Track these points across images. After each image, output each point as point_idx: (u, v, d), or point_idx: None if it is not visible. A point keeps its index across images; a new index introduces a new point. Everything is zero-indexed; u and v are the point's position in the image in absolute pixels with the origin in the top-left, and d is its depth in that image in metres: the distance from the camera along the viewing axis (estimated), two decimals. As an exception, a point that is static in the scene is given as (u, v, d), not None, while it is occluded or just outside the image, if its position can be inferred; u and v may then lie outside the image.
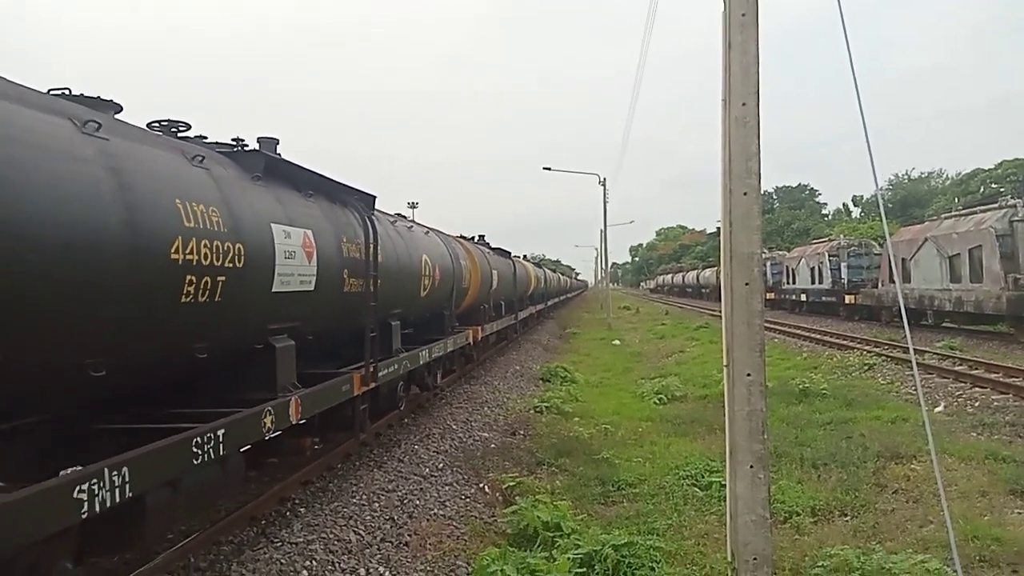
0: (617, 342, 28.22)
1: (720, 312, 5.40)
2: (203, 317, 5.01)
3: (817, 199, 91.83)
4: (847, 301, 31.29)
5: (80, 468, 3.66)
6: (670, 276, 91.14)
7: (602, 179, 43.86)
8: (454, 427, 10.90)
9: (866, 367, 16.45)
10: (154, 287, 4.49)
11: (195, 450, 4.52)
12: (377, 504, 7.06)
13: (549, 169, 43.57)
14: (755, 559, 4.83)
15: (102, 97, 4.89)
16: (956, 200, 45.14)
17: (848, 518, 6.88)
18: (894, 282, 25.10)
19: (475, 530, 6.77)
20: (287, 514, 6.76)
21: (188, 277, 4.74)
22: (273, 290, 5.92)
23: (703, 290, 64.19)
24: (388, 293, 8.80)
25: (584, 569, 5.39)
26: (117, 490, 3.78)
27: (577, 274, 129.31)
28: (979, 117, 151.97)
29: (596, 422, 11.58)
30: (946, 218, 24.54)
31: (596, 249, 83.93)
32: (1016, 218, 19.81)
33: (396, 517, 6.79)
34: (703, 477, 7.97)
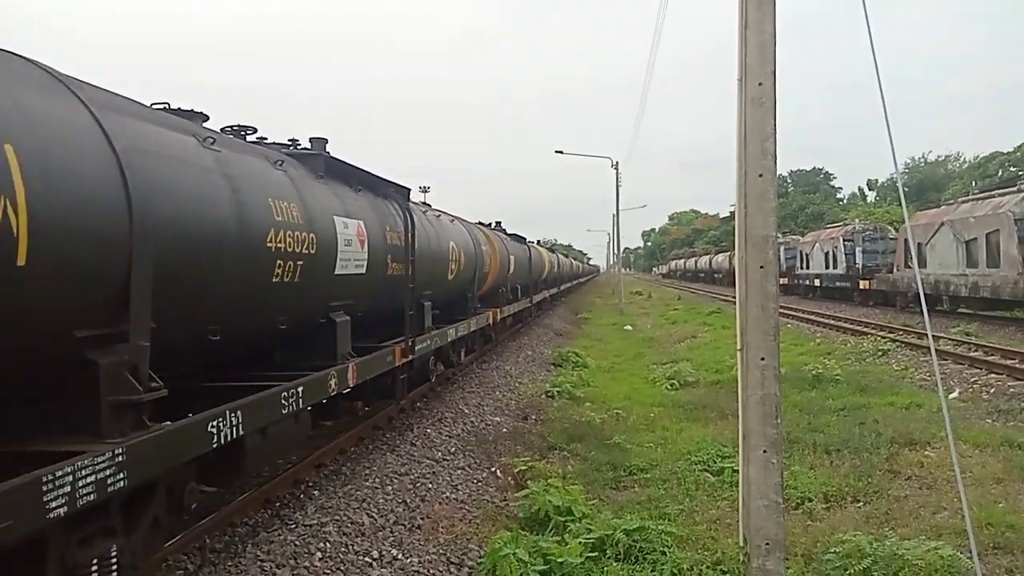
0: (629, 327, 28.17)
1: (733, 298, 5.36)
2: (287, 294, 6.01)
3: (832, 183, 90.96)
4: (861, 286, 31.05)
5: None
6: (683, 261, 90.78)
7: (614, 162, 43.65)
8: (466, 411, 10.93)
9: (880, 353, 16.35)
10: (255, 269, 5.49)
11: (283, 402, 5.50)
12: (390, 487, 7.10)
13: (561, 152, 43.34)
14: (767, 544, 4.81)
15: (194, 109, 5.73)
16: (973, 184, 44.60)
17: (861, 504, 6.86)
18: (910, 267, 24.83)
19: (487, 514, 6.80)
20: (301, 496, 6.81)
21: (278, 262, 5.75)
22: (335, 273, 6.92)
23: (716, 275, 63.90)
24: (421, 276, 9.70)
25: (596, 553, 5.40)
26: (234, 428, 4.74)
27: (589, 259, 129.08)
28: (998, 100, 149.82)
29: (608, 407, 11.57)
30: (963, 202, 24.24)
31: (608, 234, 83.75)
32: (1035, 202, 19.55)
33: (409, 500, 6.83)
34: (715, 463, 7.95)
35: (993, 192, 22.79)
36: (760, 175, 4.79)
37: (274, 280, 5.73)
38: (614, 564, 5.30)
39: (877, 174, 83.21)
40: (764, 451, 4.81)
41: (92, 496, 3.41)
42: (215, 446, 4.52)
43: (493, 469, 8.24)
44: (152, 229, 4.15)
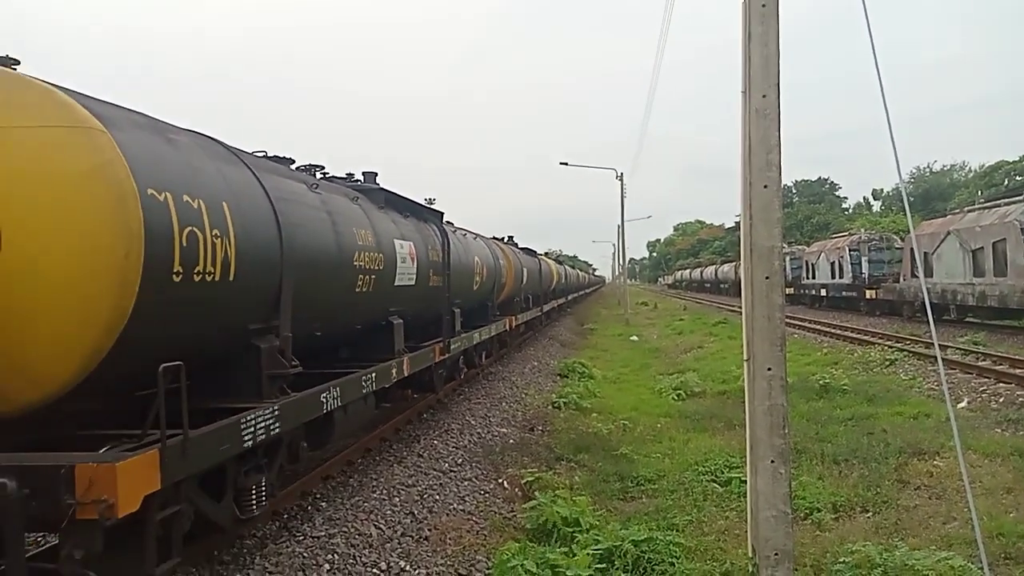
0: (635, 338, 28.14)
1: (739, 308, 5.37)
2: (364, 302, 7.67)
3: (837, 193, 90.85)
4: (868, 296, 30.94)
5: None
6: (688, 271, 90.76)
7: (619, 174, 43.72)
8: (473, 423, 10.93)
9: (887, 362, 16.29)
10: (346, 283, 7.10)
11: (363, 384, 7.15)
12: (397, 499, 7.10)
13: (566, 164, 43.39)
14: (776, 555, 4.80)
15: (284, 156, 7.34)
16: (979, 193, 44.51)
17: (870, 514, 6.83)
18: (916, 276, 24.76)
19: (494, 525, 6.79)
20: (308, 508, 6.81)
21: (360, 276, 7.37)
22: (394, 284, 8.57)
23: (722, 285, 63.81)
24: (454, 287, 11.36)
25: (604, 565, 5.40)
26: (335, 399, 6.34)
27: (594, 270, 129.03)
28: (1003, 109, 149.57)
29: (614, 418, 11.56)
30: (969, 211, 24.19)
31: (613, 245, 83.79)
32: (1041, 211, 19.50)
33: (416, 512, 6.83)
34: (723, 473, 7.94)
35: (999, 201, 22.74)
36: (765, 186, 4.82)
37: (356, 290, 7.39)
38: (622, 575, 5.29)
39: (882, 184, 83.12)
40: (772, 461, 4.81)
41: (263, 435, 5.04)
42: (324, 412, 6.15)
43: (500, 480, 8.23)
44: (291, 254, 5.73)
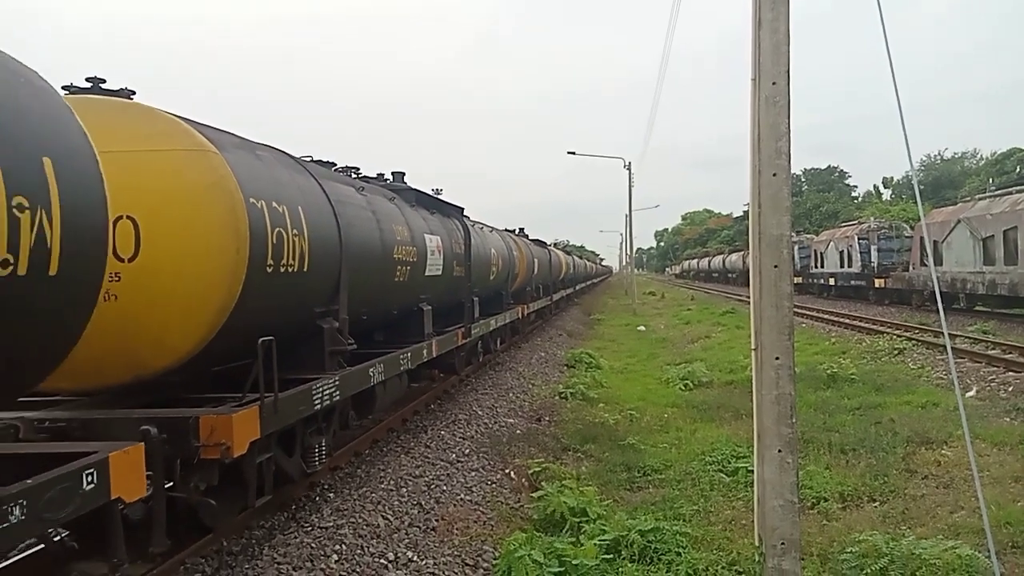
0: (642, 328, 28.10)
1: (747, 297, 5.35)
2: (401, 290, 8.80)
3: (846, 181, 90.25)
4: (877, 285, 30.80)
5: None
6: (696, 261, 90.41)
7: (627, 163, 43.57)
8: (480, 413, 10.95)
9: (896, 352, 16.22)
10: (387, 273, 8.19)
11: (401, 361, 8.21)
12: (405, 489, 7.13)
13: (574, 153, 43.35)
14: (783, 544, 4.80)
15: (327, 160, 8.45)
16: (990, 181, 44.08)
17: (877, 504, 6.82)
18: (926, 265, 24.61)
19: (502, 515, 6.81)
20: (317, 499, 6.85)
21: (398, 267, 8.47)
22: (425, 274, 9.57)
23: (729, 275, 63.60)
24: (474, 276, 12.40)
25: (611, 554, 5.40)
26: (380, 374, 7.45)
27: (602, 260, 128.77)
28: (1015, 97, 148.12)
29: (621, 408, 11.56)
30: (980, 199, 24.01)
31: (621, 234, 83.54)
32: (1053, 198, 19.34)
33: (423, 502, 6.85)
34: (730, 463, 7.93)
35: (1011, 189, 22.56)
36: (774, 174, 4.78)
37: (395, 280, 8.50)
38: (629, 565, 5.30)
39: (892, 172, 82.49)
40: (779, 451, 4.80)
41: (328, 401, 6.09)
42: (371, 384, 7.24)
43: (507, 471, 8.25)
44: (348, 249, 6.74)
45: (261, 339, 4.90)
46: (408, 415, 10.23)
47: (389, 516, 6.42)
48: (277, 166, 6.21)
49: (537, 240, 25.64)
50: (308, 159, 7.70)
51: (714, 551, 5.56)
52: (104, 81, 5.14)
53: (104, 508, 3.70)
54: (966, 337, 17.42)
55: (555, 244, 36.11)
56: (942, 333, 4.85)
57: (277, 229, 5.48)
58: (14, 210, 2.98)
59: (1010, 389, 11.67)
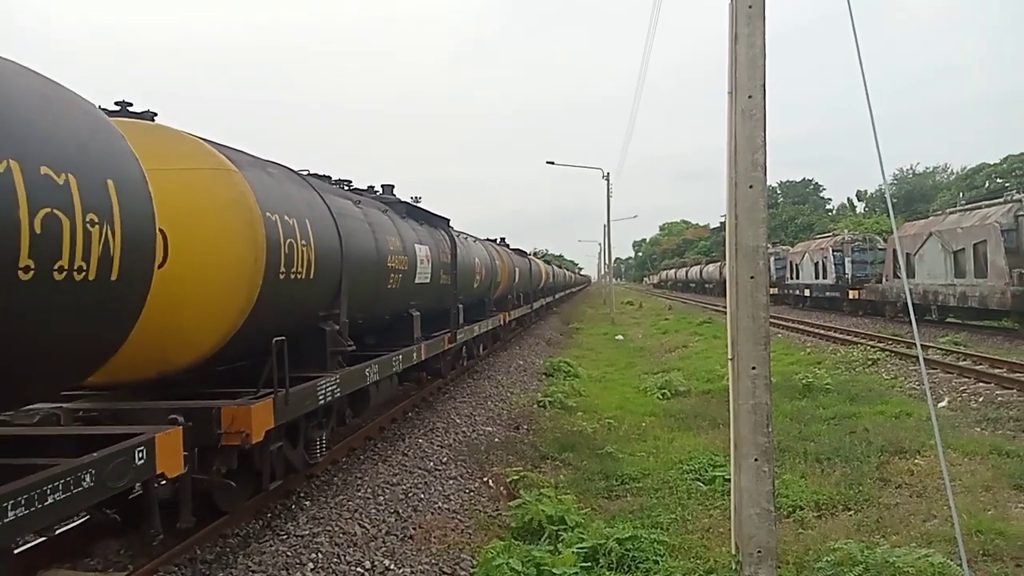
0: (620, 337, 28.21)
1: (724, 307, 5.40)
2: (393, 296, 9.38)
3: (821, 194, 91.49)
4: (851, 296, 31.21)
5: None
6: (673, 271, 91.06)
7: (605, 174, 43.79)
8: (458, 421, 10.91)
9: (870, 362, 16.43)
10: (381, 280, 8.75)
11: (393, 363, 8.79)
12: (382, 497, 7.08)
13: (552, 163, 43.42)
14: (759, 552, 4.84)
15: (325, 174, 8.87)
16: (961, 195, 44.94)
17: (852, 512, 6.89)
18: (898, 277, 25.00)
19: (480, 523, 6.79)
20: (292, 507, 6.78)
21: (391, 275, 9.05)
22: (415, 282, 10.18)
23: (706, 285, 64.11)
24: (459, 284, 13.00)
25: (589, 563, 5.41)
26: (375, 374, 8.00)
27: (580, 269, 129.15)
28: (984, 112, 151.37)
29: (599, 417, 11.58)
30: (951, 213, 24.46)
31: (599, 244, 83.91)
32: (1021, 213, 19.73)
33: (401, 510, 6.81)
34: (707, 471, 7.97)
35: (980, 203, 23.01)
36: (751, 186, 4.85)
37: (388, 287, 9.04)
38: (607, 573, 5.30)
39: (866, 185, 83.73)
40: (755, 460, 4.84)
41: (330, 397, 6.73)
42: (367, 384, 7.78)
43: (485, 479, 8.23)
44: (348, 258, 7.35)
45: (275, 339, 5.56)
46: (386, 423, 10.17)
47: (366, 524, 6.37)
48: (286, 182, 6.88)
49: (518, 249, 26.24)
50: (306, 172, 8.12)
51: (691, 559, 5.58)
52: (131, 104, 5.69)
53: (148, 482, 4.36)
54: (938, 348, 17.70)
55: (534, 253, 36.43)
56: (915, 344, 4.92)
57: (288, 240, 6.10)
58: (87, 225, 3.58)
59: (981, 400, 11.86)
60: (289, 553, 5.61)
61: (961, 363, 15.24)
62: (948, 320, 24.45)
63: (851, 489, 7.37)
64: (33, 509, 3.32)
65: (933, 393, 12.30)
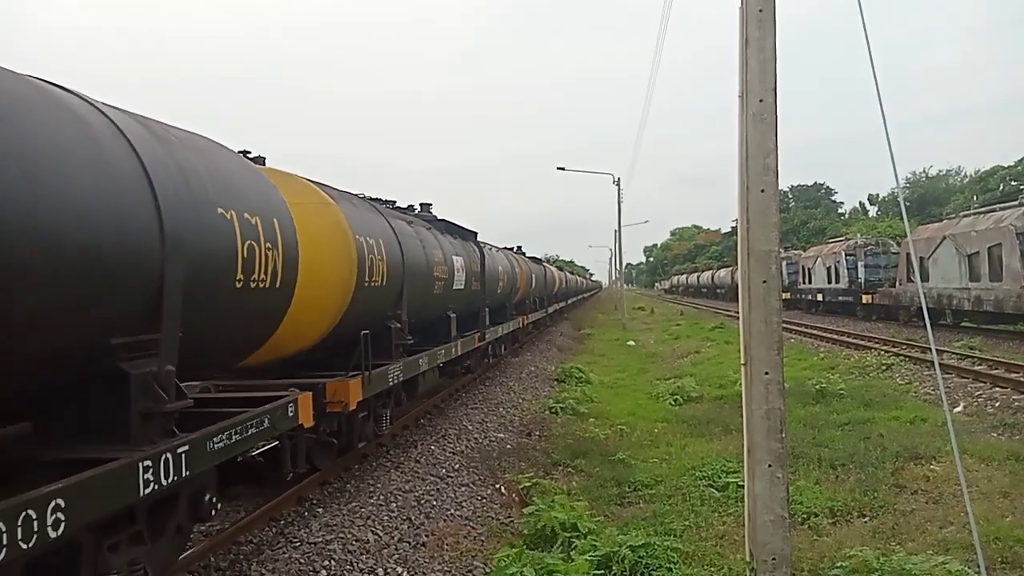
0: (632, 343, 28.14)
1: (736, 312, 5.38)
2: (437, 300, 11.05)
3: (833, 198, 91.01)
4: (864, 301, 31.00)
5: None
6: (685, 276, 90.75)
7: (616, 179, 43.79)
8: (470, 428, 10.91)
9: (884, 367, 16.31)
10: (429, 287, 10.42)
11: (437, 356, 10.49)
12: (394, 504, 7.08)
13: (563, 169, 43.42)
14: (774, 559, 4.80)
15: (388, 199, 10.77)
16: (975, 198, 44.61)
17: (867, 519, 6.83)
18: (912, 281, 24.81)
19: (492, 531, 6.77)
20: (305, 514, 6.80)
21: (436, 282, 10.76)
22: (453, 288, 11.89)
23: (718, 290, 63.86)
24: (486, 290, 14.77)
25: (602, 570, 5.38)
26: (425, 364, 9.76)
27: (591, 275, 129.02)
28: (998, 114, 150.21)
29: (611, 423, 11.55)
30: (964, 216, 24.27)
31: (610, 250, 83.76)
32: (1036, 216, 19.56)
33: (413, 517, 6.81)
34: (720, 478, 7.93)
35: (995, 206, 22.81)
36: (762, 191, 4.83)
37: (434, 292, 10.71)
38: (620, 580, 5.27)
39: (878, 189, 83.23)
40: (769, 465, 4.81)
41: (396, 380, 8.48)
42: (419, 372, 9.53)
43: (497, 486, 8.21)
44: (407, 268, 9.12)
45: (362, 332, 7.28)
46: (398, 430, 10.18)
47: (379, 531, 6.37)
48: (364, 209, 8.58)
49: (533, 257, 28.20)
50: (363, 196, 9.69)
51: (705, 567, 5.55)
52: (249, 152, 6.75)
53: (284, 435, 5.80)
54: (953, 353, 17.54)
55: (546, 259, 36.88)
56: (929, 349, 4.89)
57: (370, 256, 7.76)
58: (266, 250, 5.18)
59: (997, 404, 11.74)
60: (302, 560, 5.62)
61: (977, 367, 15.09)
62: (963, 324, 24.23)
63: (866, 495, 7.31)
64: (238, 439, 4.71)
65: (948, 398, 12.19)
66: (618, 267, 57.82)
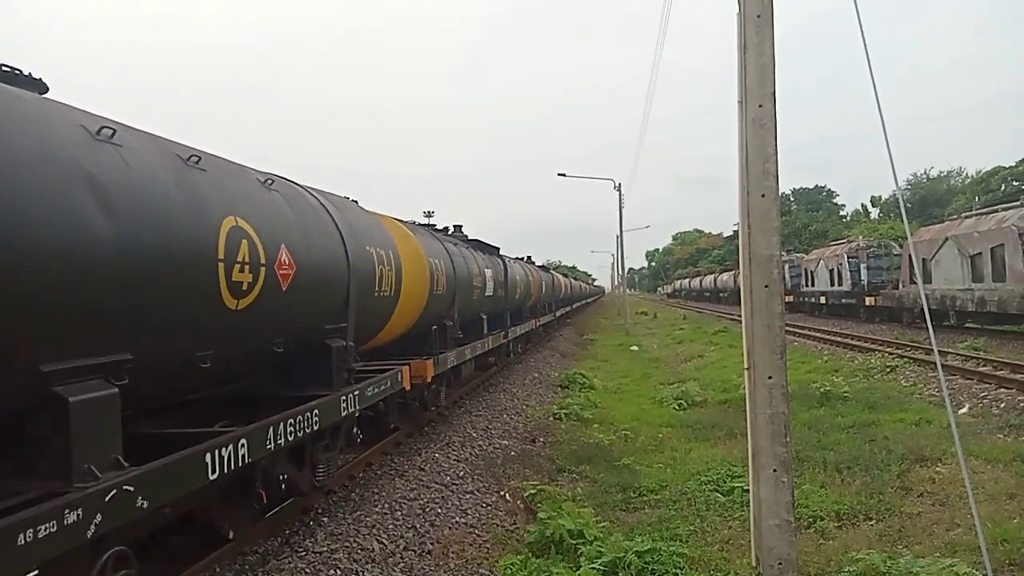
0: (635, 348, 28.11)
1: (739, 316, 5.38)
2: (474, 304, 13.64)
3: (834, 200, 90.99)
4: (867, 303, 30.96)
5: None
6: (687, 280, 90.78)
7: (617, 184, 43.80)
8: (474, 435, 10.90)
9: (888, 369, 16.27)
10: (469, 294, 13.09)
11: (476, 348, 13.49)
12: (399, 513, 7.07)
13: (564, 175, 43.53)
14: (780, 564, 4.79)
15: (430, 224, 14.25)
16: (976, 199, 44.54)
17: (873, 522, 6.81)
18: (915, 282, 24.78)
19: (497, 538, 6.76)
20: (310, 523, 6.78)
21: (474, 291, 13.44)
22: (484, 295, 14.46)
23: (721, 294, 63.82)
24: (507, 297, 17.58)
25: (608, 576, 5.37)
26: (467, 354, 12.79)
27: (593, 280, 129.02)
28: (999, 114, 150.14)
29: (616, 428, 11.54)
30: (967, 217, 24.24)
31: (612, 254, 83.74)
32: (1039, 216, 19.53)
33: (418, 525, 6.80)
34: (725, 482, 7.91)
35: (997, 207, 22.78)
36: (763, 195, 4.84)
37: (473, 299, 13.31)
38: (627, 587, 5.26)
39: (880, 190, 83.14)
40: (774, 470, 4.81)
41: (451, 364, 11.46)
42: (464, 360, 12.42)
43: (502, 493, 8.20)
44: (457, 281, 11.81)
45: (432, 326, 10.55)
46: (402, 438, 10.18)
47: (384, 540, 6.36)
48: (429, 238, 11.32)
49: (542, 266, 31.99)
50: (415, 223, 12.08)
51: (712, 572, 5.53)
52: (357, 201, 8.84)
53: (391, 396, 8.35)
54: (957, 354, 17.50)
55: (549, 265, 37.44)
56: (933, 350, 4.88)
57: (436, 273, 10.29)
58: (387, 271, 7.84)
59: (1002, 406, 11.71)
60: (308, 570, 5.61)
61: (981, 369, 15.04)
62: (966, 325, 24.18)
63: (872, 498, 7.29)
64: (378, 390, 7.45)
65: (953, 400, 12.16)
66: (620, 272, 57.85)
